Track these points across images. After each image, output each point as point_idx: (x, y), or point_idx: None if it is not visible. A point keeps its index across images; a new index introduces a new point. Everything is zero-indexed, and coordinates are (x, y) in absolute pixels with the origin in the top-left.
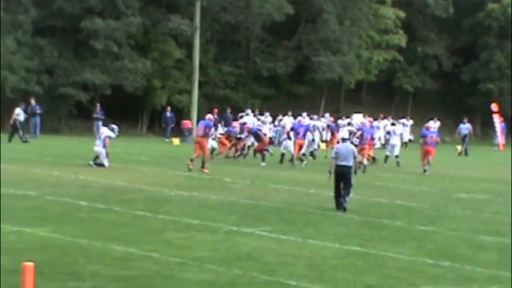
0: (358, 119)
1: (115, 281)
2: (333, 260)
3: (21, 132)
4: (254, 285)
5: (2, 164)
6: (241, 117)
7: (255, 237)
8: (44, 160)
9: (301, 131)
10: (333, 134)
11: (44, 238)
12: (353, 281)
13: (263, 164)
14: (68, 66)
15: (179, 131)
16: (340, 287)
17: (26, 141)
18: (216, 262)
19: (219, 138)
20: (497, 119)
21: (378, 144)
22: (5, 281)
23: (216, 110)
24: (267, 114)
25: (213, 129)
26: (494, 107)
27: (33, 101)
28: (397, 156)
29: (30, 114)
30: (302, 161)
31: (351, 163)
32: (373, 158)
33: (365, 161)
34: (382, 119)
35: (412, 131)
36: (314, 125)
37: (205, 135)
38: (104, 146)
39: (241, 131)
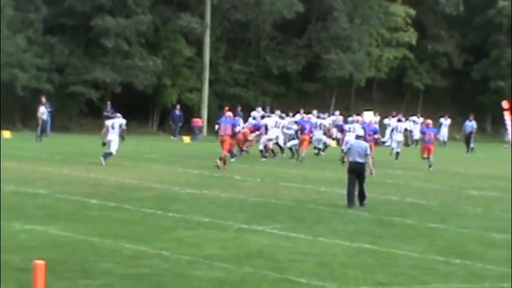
0: (368, 116)
1: (126, 279)
2: (343, 258)
3: (39, 132)
4: (264, 283)
5: (13, 162)
6: (262, 117)
7: (266, 235)
8: (55, 158)
9: (307, 127)
10: (342, 133)
11: (55, 236)
12: (363, 278)
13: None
14: (79, 65)
15: (189, 129)
16: (350, 285)
17: (40, 141)
18: (227, 260)
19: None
20: (508, 117)
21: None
22: (16, 280)
23: (227, 108)
24: (278, 112)
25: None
26: (505, 104)
27: (44, 99)
28: (397, 153)
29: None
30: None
31: (363, 160)
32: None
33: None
34: (393, 116)
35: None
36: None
37: (233, 134)
38: (121, 134)
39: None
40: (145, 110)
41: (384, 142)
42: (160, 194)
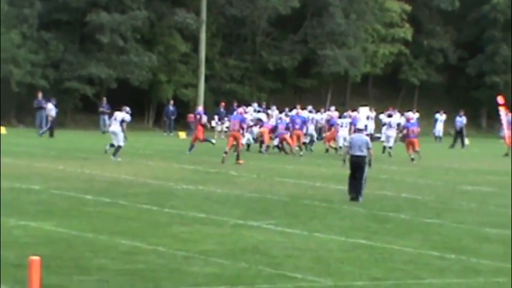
0: (364, 112)
1: (121, 274)
2: (338, 253)
3: (44, 127)
4: (260, 278)
5: (7, 158)
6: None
7: (261, 231)
8: (49, 154)
9: (299, 122)
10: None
11: (50, 232)
12: (359, 274)
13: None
14: (74, 60)
15: (185, 125)
16: (346, 280)
17: (41, 136)
18: (222, 255)
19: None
20: (503, 112)
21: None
22: (11, 276)
23: (223, 104)
24: (274, 107)
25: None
26: (500, 99)
27: (40, 95)
28: (390, 148)
29: (36, 108)
30: (301, 150)
31: (364, 153)
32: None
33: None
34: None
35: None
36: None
37: (242, 129)
38: (123, 129)
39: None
40: (140, 106)
41: (379, 138)
42: (155, 189)
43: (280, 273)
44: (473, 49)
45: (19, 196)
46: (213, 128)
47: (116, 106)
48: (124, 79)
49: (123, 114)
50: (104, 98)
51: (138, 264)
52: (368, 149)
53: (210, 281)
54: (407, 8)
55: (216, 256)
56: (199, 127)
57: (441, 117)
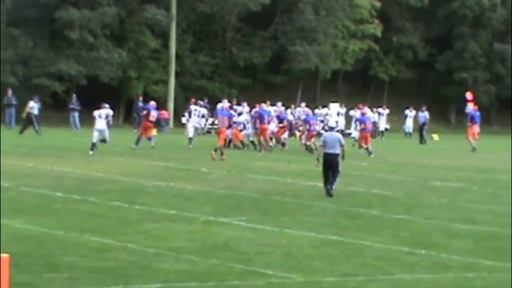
0: (335, 108)
1: (91, 272)
2: (309, 249)
3: (36, 126)
4: (231, 275)
5: None
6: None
7: (232, 227)
8: (19, 151)
9: (266, 117)
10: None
11: (19, 230)
12: (329, 269)
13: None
14: (43, 57)
15: (155, 122)
16: (316, 276)
17: (40, 134)
18: (193, 252)
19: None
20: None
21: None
22: None
23: (193, 100)
24: (245, 104)
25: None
26: (468, 95)
27: (10, 92)
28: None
29: (5, 105)
30: (284, 145)
31: (338, 151)
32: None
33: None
34: (359, 108)
35: (389, 120)
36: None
37: (229, 126)
38: (108, 125)
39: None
40: (110, 102)
41: (349, 134)
42: (126, 186)
43: (251, 269)
44: (443, 45)
45: None
46: (183, 124)
47: (85, 103)
48: (94, 76)
49: (106, 111)
50: (74, 95)
51: (108, 262)
52: (341, 146)
53: (181, 277)
54: (377, 4)
55: (187, 253)
56: (147, 123)
57: (411, 113)
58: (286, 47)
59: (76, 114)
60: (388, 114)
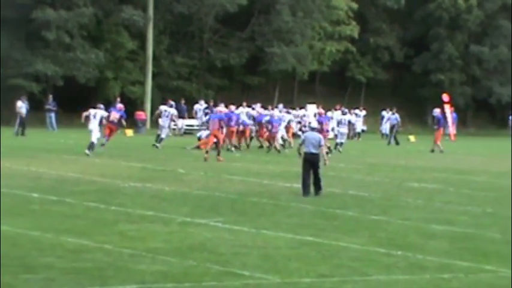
0: (312, 109)
1: (68, 273)
2: (286, 250)
3: (16, 127)
4: (208, 276)
5: None
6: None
7: (209, 228)
8: None
9: (234, 118)
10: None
11: None
12: (306, 270)
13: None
14: (19, 57)
15: (133, 122)
16: (293, 277)
17: (17, 136)
18: (170, 253)
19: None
20: (448, 109)
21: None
22: None
23: (170, 101)
24: (222, 105)
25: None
26: (445, 97)
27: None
28: (341, 144)
29: None
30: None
31: (317, 151)
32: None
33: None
34: (336, 109)
35: (365, 122)
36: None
37: (221, 127)
38: (100, 124)
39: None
40: (87, 103)
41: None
42: (102, 187)
43: (227, 270)
44: (419, 47)
45: None
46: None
47: (62, 103)
48: (70, 76)
49: (101, 112)
50: (50, 96)
51: (84, 263)
52: (320, 146)
53: (158, 278)
54: (354, 5)
55: (164, 254)
56: (108, 124)
57: (387, 114)
58: (263, 48)
59: (53, 115)
60: (364, 116)
